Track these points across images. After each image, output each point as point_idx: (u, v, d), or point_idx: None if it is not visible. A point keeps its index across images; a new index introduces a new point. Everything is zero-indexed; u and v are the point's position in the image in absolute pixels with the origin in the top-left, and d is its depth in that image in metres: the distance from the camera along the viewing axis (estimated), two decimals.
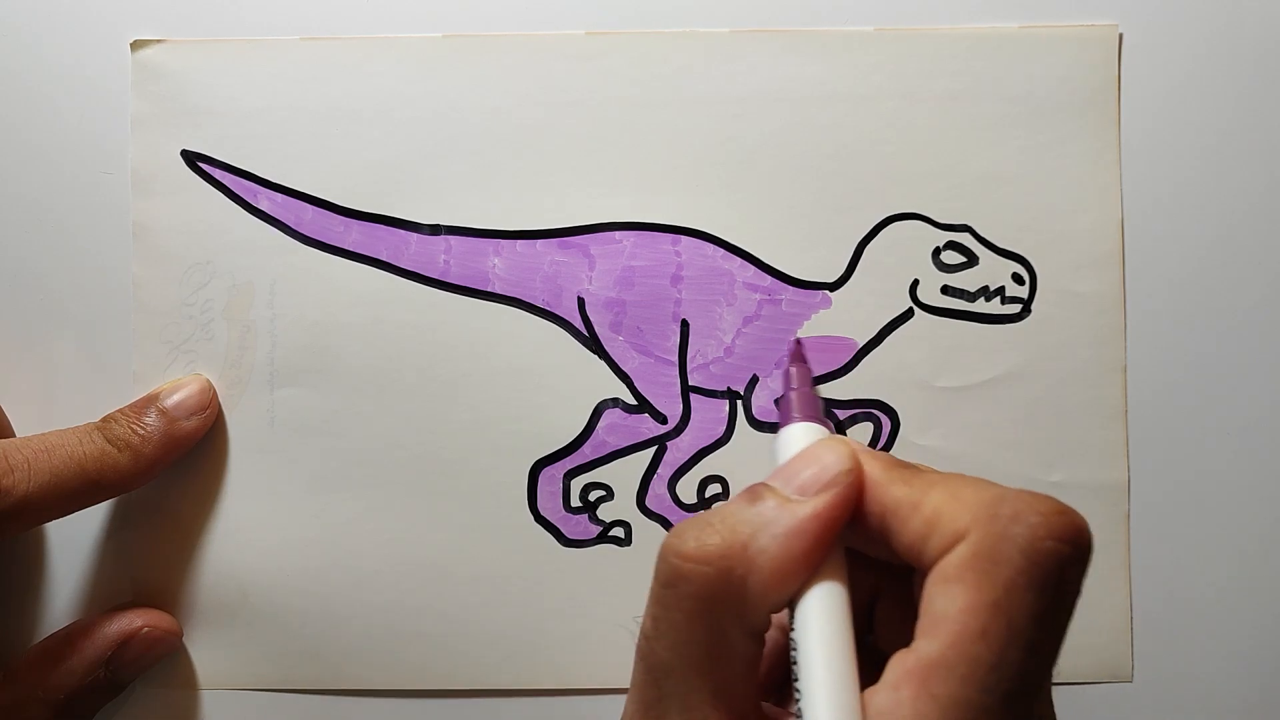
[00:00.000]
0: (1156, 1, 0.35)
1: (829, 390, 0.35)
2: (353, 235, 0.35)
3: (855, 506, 0.25)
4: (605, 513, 0.35)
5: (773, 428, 0.35)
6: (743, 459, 0.35)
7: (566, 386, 0.35)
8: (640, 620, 0.25)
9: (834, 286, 0.35)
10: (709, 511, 0.25)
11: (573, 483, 0.35)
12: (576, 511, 0.35)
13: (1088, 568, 0.23)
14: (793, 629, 0.25)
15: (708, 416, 0.35)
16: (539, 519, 0.35)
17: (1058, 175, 0.35)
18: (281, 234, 0.35)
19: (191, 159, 0.35)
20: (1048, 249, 0.35)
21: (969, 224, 0.35)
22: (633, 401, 0.35)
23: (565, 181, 0.35)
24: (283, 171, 0.35)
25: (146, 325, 0.35)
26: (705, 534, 0.24)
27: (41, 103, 0.35)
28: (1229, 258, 0.35)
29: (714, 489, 0.35)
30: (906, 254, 0.35)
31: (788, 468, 0.26)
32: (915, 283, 0.35)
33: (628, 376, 0.35)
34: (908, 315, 0.35)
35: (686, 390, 0.35)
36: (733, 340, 0.35)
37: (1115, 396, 0.34)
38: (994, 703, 0.22)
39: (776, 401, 0.34)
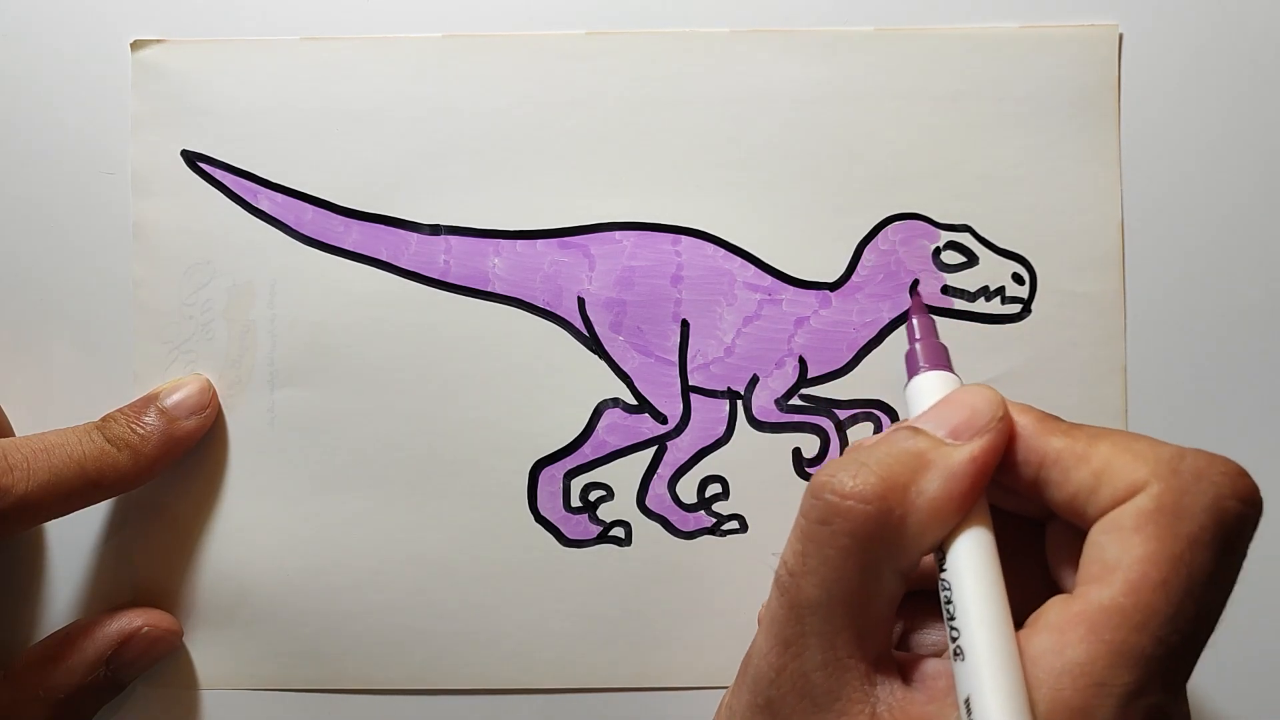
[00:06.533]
0: (1156, 1, 0.35)
1: (829, 390, 0.35)
2: (353, 235, 0.35)
3: (1004, 454, 0.26)
4: (605, 513, 0.35)
5: (773, 428, 0.35)
6: (743, 459, 0.35)
7: (566, 386, 0.35)
8: (780, 555, 0.25)
9: (834, 286, 0.35)
10: (856, 451, 0.26)
11: (573, 483, 0.35)
12: (576, 511, 0.35)
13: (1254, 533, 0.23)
14: (943, 570, 0.25)
15: (708, 416, 0.35)
16: (539, 519, 0.35)
17: (1058, 175, 0.35)
18: (281, 234, 0.35)
19: (191, 159, 0.35)
20: (1048, 249, 0.35)
21: (969, 224, 0.35)
22: (633, 401, 0.35)
23: (565, 181, 0.35)
24: (283, 171, 0.35)
25: (146, 325, 0.35)
26: (862, 473, 0.24)
27: (41, 103, 0.35)
28: (1229, 258, 0.35)
29: (714, 489, 0.35)
30: (907, 254, 0.35)
31: (937, 412, 0.26)
32: (915, 283, 0.35)
33: (628, 376, 0.35)
34: (908, 315, 0.35)
35: (686, 390, 0.35)
36: (733, 340, 0.35)
37: (1115, 396, 0.34)
38: (1163, 654, 0.22)
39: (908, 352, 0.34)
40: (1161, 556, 0.22)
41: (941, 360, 0.30)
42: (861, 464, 0.25)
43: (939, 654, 0.29)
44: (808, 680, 0.24)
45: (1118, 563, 0.23)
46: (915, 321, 0.31)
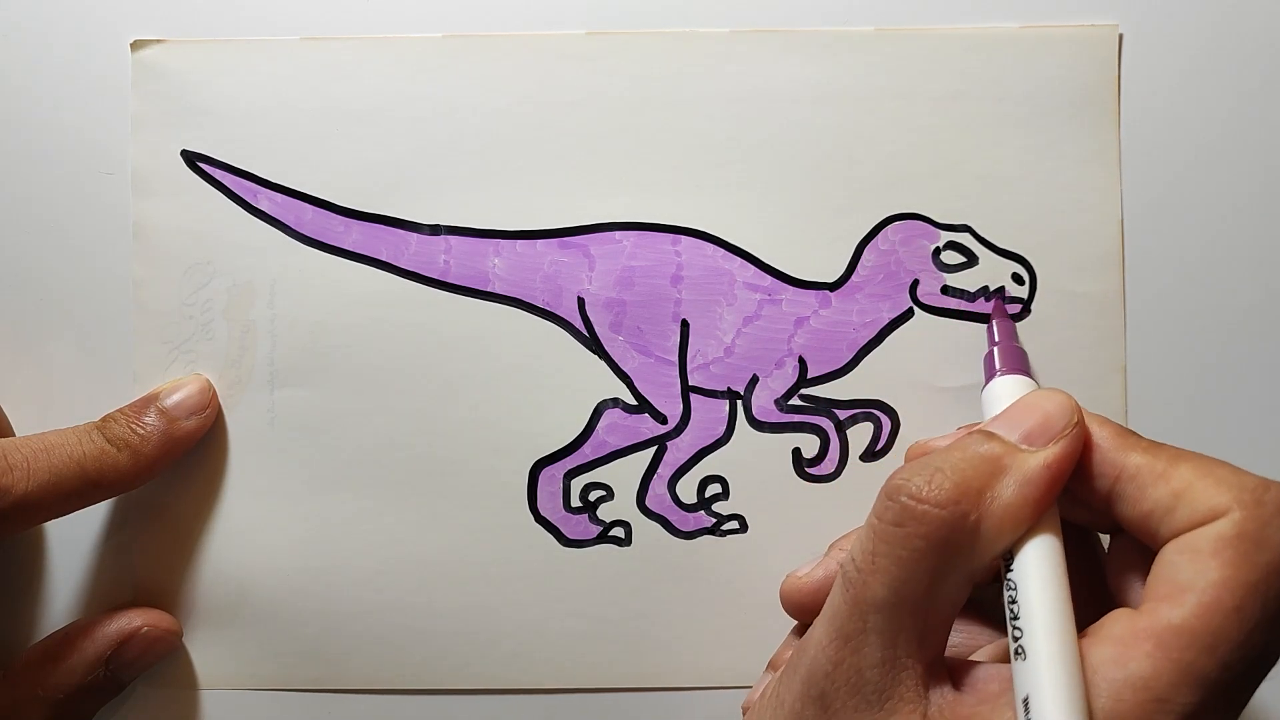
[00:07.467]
0: (1156, 1, 0.35)
1: (829, 390, 0.35)
2: (353, 235, 0.35)
3: (1079, 464, 0.26)
4: (605, 513, 0.35)
5: (773, 428, 0.35)
6: (743, 459, 0.35)
7: (566, 386, 0.35)
8: (849, 551, 0.25)
9: (834, 286, 0.35)
10: (931, 455, 0.26)
11: (573, 483, 0.35)
12: (576, 511, 0.35)
13: None
14: (1009, 572, 0.25)
15: (708, 416, 0.35)
16: (539, 519, 0.35)
17: (1058, 175, 0.35)
18: (281, 234, 0.35)
19: (191, 159, 0.35)
20: (1048, 249, 0.35)
21: (969, 224, 0.35)
22: (633, 401, 0.35)
23: (565, 181, 0.35)
24: (283, 171, 0.35)
25: (146, 325, 0.35)
26: (938, 478, 0.25)
27: (41, 103, 0.35)
28: (1229, 258, 0.35)
29: (714, 489, 0.35)
30: (906, 254, 0.35)
31: (1011, 416, 0.26)
32: (915, 283, 0.35)
33: (628, 376, 0.35)
34: (908, 315, 0.35)
35: (686, 390, 0.35)
36: (733, 340, 0.35)
37: (1115, 396, 0.34)
38: (1227, 679, 0.22)
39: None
40: (1238, 583, 0.23)
41: (1019, 365, 0.30)
42: (937, 468, 0.25)
43: (964, 654, 0.29)
44: (862, 677, 0.24)
45: (1191, 584, 0.23)
46: (995, 325, 0.32)
